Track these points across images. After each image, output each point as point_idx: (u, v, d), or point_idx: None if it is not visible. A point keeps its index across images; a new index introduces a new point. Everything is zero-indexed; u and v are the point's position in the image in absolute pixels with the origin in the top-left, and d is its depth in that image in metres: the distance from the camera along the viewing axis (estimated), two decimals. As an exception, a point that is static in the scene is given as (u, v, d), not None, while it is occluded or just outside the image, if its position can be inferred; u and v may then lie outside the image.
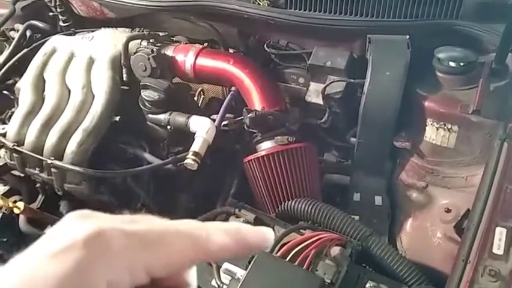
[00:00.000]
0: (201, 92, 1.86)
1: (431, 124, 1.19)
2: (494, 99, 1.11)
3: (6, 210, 1.40)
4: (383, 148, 1.28)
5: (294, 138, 1.29)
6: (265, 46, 1.46)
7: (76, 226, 0.31)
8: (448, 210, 1.17)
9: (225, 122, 1.44)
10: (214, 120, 1.38)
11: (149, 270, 0.32)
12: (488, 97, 1.10)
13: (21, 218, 1.46)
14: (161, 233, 0.32)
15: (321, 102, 1.33)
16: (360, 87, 1.26)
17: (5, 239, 1.53)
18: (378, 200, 1.31)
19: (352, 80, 1.27)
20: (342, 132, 1.39)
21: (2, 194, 1.53)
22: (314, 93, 1.36)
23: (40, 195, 1.51)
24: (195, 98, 1.84)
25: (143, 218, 0.34)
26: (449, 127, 1.16)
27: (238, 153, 1.48)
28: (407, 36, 1.24)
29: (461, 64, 1.18)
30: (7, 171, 1.52)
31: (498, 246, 0.91)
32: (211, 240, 0.34)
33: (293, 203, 1.19)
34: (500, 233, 0.92)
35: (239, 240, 0.35)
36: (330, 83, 1.29)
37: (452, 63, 1.18)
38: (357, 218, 1.29)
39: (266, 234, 0.36)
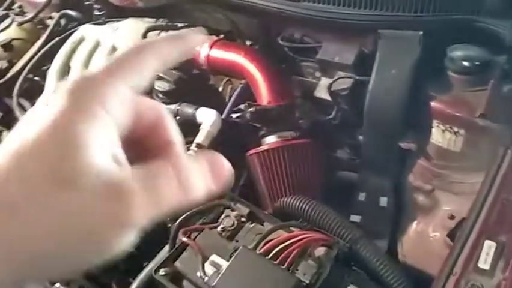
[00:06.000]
0: (228, 81, 1.86)
1: (438, 126, 1.13)
2: (505, 103, 1.04)
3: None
4: (389, 148, 1.23)
5: (298, 134, 1.27)
6: (279, 39, 1.44)
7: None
8: (451, 217, 1.12)
9: (238, 114, 1.45)
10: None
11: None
12: (498, 100, 1.03)
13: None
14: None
15: (329, 98, 1.30)
16: (368, 84, 1.22)
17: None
18: (383, 201, 1.26)
19: (358, 77, 1.23)
20: (352, 129, 1.35)
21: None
22: (324, 89, 1.33)
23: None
24: (221, 88, 1.86)
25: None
26: (456, 130, 1.10)
27: (251, 145, 1.47)
28: (420, 32, 1.18)
29: (475, 63, 1.11)
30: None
31: (485, 261, 0.86)
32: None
33: (288, 200, 1.18)
34: (488, 247, 0.87)
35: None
36: (337, 79, 1.26)
37: (465, 63, 1.11)
38: (358, 218, 1.26)
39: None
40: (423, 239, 1.16)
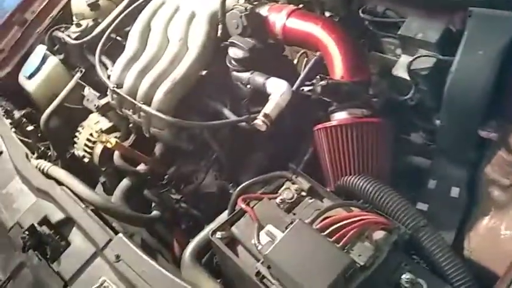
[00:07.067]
0: (304, 54, 1.82)
1: (524, 116, 1.03)
2: None
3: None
4: (468, 136, 1.14)
5: (370, 112, 1.22)
6: (360, 11, 1.38)
7: None
8: (529, 216, 1.03)
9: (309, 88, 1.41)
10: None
11: None
12: None
13: (116, 153, 1.62)
14: None
15: (407, 77, 1.23)
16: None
17: (104, 168, 1.72)
18: (455, 191, 1.19)
19: (442, 57, 1.15)
20: (429, 112, 1.27)
21: (105, 130, 1.71)
22: (402, 67, 1.25)
23: (132, 135, 1.64)
24: (296, 60, 1.83)
25: None
26: (544, 122, 1.00)
27: (320, 120, 1.44)
28: (517, 13, 1.07)
29: None
30: (109, 109, 1.68)
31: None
32: None
33: (352, 179, 1.14)
34: None
35: None
36: (417, 57, 1.18)
37: None
38: (425, 206, 1.20)
39: None
40: (494, 236, 1.08)
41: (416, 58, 1.19)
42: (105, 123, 1.72)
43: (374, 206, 1.07)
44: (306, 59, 1.80)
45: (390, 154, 1.25)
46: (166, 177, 1.59)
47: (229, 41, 1.44)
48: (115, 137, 1.59)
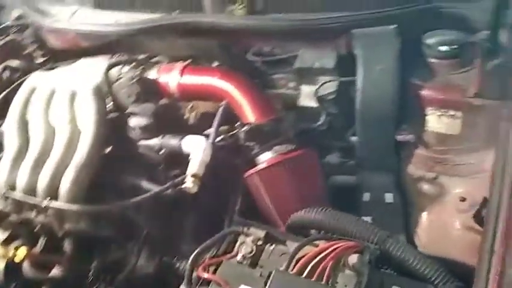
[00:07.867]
0: (192, 108, 1.81)
1: (433, 113, 1.15)
2: (493, 79, 1.08)
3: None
4: (386, 144, 1.23)
5: (294, 146, 1.24)
6: (249, 55, 1.42)
7: None
8: (463, 199, 1.13)
9: (220, 137, 1.40)
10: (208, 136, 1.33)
11: None
12: (487, 78, 1.07)
13: (25, 263, 1.41)
14: None
15: (315, 105, 1.29)
16: (353, 84, 1.22)
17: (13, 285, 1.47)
18: (389, 197, 1.26)
19: (343, 79, 1.23)
20: (342, 132, 1.35)
21: (3, 241, 1.48)
22: (307, 97, 1.32)
23: (41, 238, 1.44)
24: (186, 115, 1.80)
25: None
26: (452, 114, 1.12)
27: (238, 167, 1.42)
28: (394, 26, 1.20)
29: (453, 47, 1.14)
30: (3, 219, 1.46)
31: (523, 233, 0.87)
32: None
33: (302, 214, 1.14)
34: (522, 219, 0.88)
35: None
36: (322, 84, 1.25)
37: (442, 48, 1.15)
38: (369, 219, 1.25)
39: None
40: (440, 227, 1.16)
41: (321, 85, 1.25)
42: (0, 235, 1.49)
43: (336, 233, 1.08)
44: (195, 111, 1.79)
45: (323, 179, 1.29)
46: (90, 273, 1.42)
47: (127, 111, 1.37)
48: (21, 246, 1.38)
